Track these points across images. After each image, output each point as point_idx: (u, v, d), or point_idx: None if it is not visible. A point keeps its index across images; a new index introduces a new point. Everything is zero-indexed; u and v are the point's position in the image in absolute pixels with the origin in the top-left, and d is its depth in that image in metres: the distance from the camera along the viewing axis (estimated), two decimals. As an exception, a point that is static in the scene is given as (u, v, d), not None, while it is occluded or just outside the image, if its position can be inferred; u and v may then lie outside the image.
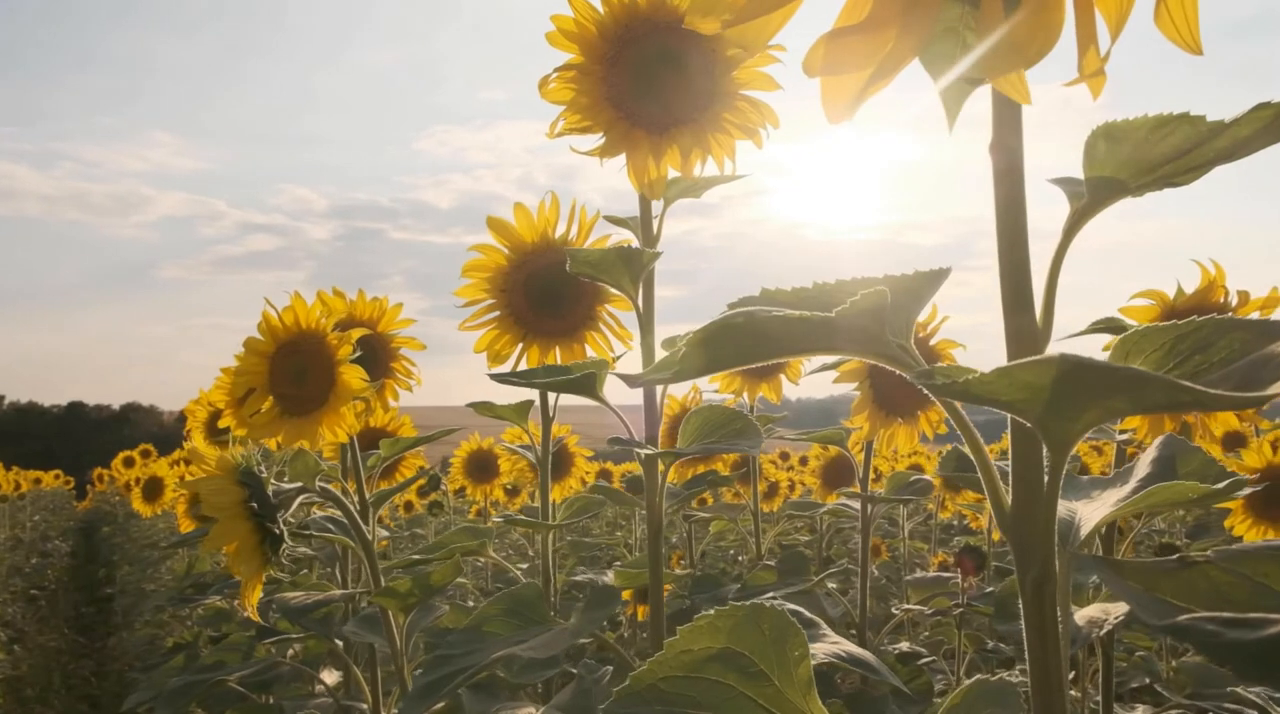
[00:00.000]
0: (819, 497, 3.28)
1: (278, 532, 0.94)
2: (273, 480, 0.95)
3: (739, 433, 0.84)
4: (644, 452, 0.84)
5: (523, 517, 1.30)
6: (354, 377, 1.41)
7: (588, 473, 3.31)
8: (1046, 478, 0.49)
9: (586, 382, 0.93)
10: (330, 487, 1.06)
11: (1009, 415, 0.53)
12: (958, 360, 1.86)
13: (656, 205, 0.93)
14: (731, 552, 4.82)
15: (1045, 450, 0.50)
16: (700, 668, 0.54)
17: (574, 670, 1.36)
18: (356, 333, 1.41)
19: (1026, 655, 0.52)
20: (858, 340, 0.52)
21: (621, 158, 0.89)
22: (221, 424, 2.43)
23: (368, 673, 1.56)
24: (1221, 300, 1.32)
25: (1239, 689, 1.48)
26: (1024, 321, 0.51)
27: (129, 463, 8.48)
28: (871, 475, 2.10)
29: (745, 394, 2.25)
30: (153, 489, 3.84)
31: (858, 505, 2.06)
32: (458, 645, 0.85)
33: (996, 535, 3.36)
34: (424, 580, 1.02)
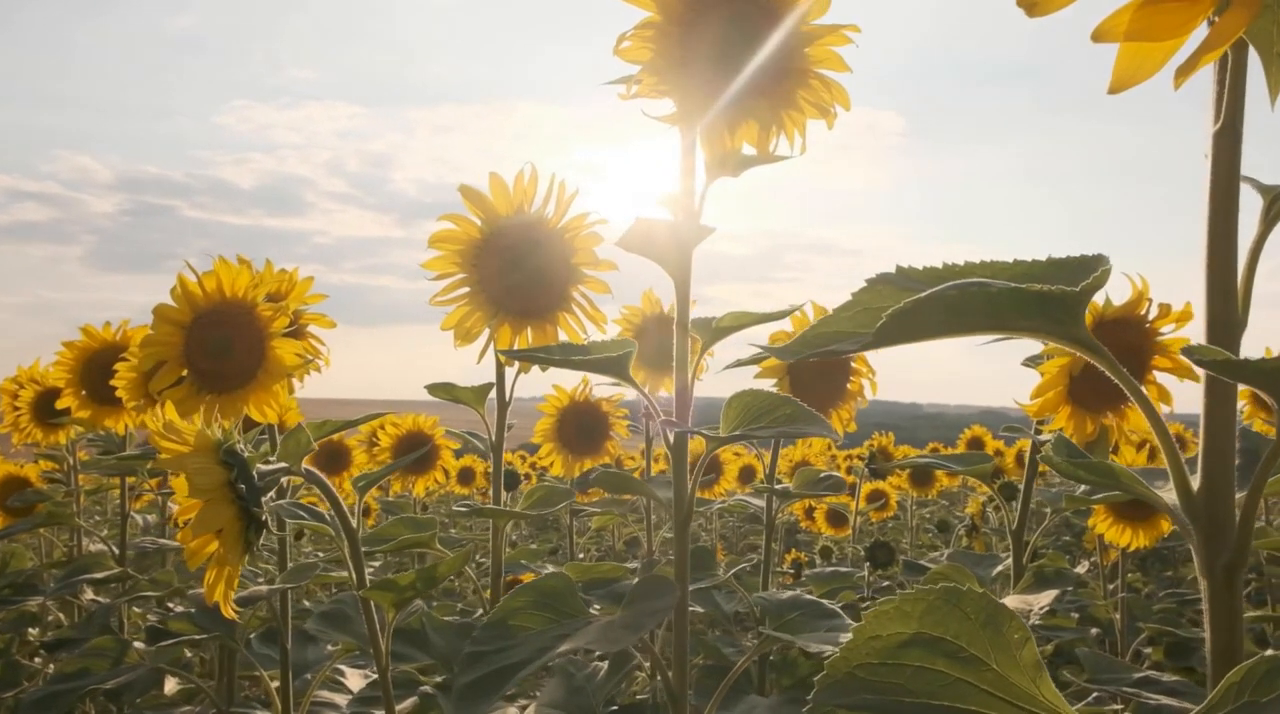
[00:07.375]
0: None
1: (263, 518, 0.84)
2: (260, 460, 0.85)
3: (791, 418, 0.81)
4: (704, 434, 0.80)
5: (489, 506, 1.22)
6: (288, 352, 1.28)
7: (450, 467, 3.25)
8: (1261, 463, 0.50)
9: (621, 362, 0.88)
10: (314, 470, 0.96)
11: (1204, 400, 0.53)
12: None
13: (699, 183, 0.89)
14: (590, 548, 4.78)
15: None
16: (896, 654, 0.51)
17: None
18: (293, 304, 1.29)
19: (1209, 641, 0.52)
20: (1064, 323, 0.51)
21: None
22: (60, 405, 2.20)
23: (275, 677, 1.43)
24: (1144, 312, 1.42)
25: (1130, 674, 1.59)
26: (1227, 311, 0.51)
27: (-115, 447, 7.49)
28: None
29: (646, 388, 2.22)
30: (-52, 476, 3.39)
31: (760, 501, 2.09)
32: (486, 642, 0.78)
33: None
34: (428, 573, 0.93)
